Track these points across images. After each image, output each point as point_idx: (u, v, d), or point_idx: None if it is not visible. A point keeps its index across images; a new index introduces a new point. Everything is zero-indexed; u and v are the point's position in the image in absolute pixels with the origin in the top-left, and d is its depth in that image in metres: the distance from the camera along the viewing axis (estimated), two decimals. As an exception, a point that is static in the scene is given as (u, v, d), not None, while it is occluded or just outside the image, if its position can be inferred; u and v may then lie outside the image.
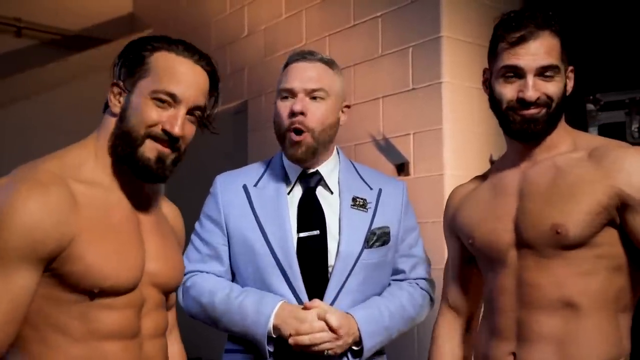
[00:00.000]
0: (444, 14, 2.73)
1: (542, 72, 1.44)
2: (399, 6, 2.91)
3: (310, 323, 1.65)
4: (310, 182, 1.81)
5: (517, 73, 1.45)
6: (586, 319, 1.39)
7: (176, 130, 1.29)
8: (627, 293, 1.43)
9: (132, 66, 1.31)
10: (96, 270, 1.20)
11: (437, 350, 1.71)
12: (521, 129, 1.46)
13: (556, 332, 1.40)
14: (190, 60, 1.33)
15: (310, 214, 1.77)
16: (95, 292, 1.21)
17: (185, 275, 1.76)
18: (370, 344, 1.71)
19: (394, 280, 1.87)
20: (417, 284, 1.87)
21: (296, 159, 1.76)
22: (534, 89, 1.43)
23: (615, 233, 1.40)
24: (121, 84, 1.32)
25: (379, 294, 1.82)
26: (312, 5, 3.36)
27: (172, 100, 1.29)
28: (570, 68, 1.51)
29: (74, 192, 1.21)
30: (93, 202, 1.24)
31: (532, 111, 1.44)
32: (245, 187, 1.81)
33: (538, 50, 1.43)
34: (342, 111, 1.83)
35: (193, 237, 1.86)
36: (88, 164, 1.29)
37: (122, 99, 1.31)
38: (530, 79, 1.43)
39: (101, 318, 1.22)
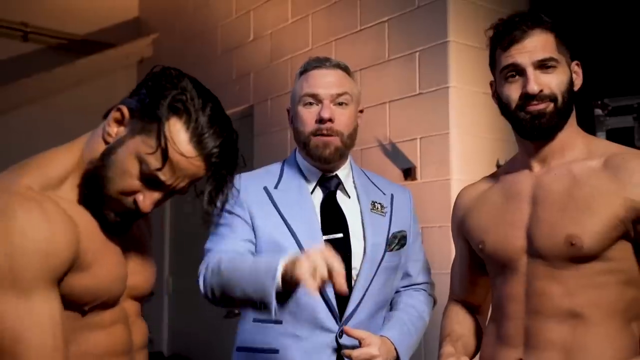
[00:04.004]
0: (450, 19, 2.72)
1: (541, 66, 1.43)
2: (406, 11, 2.90)
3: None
4: (331, 185, 1.82)
5: (518, 71, 1.45)
6: (596, 327, 1.38)
7: (148, 210, 1.18)
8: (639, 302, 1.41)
9: (144, 109, 1.14)
10: (99, 285, 1.16)
11: (449, 319, 1.71)
12: (532, 126, 1.45)
13: (565, 339, 1.39)
14: (199, 157, 1.14)
15: (333, 217, 1.78)
16: (86, 310, 1.16)
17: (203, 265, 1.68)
18: None
19: (402, 287, 1.89)
20: (425, 290, 1.91)
21: (324, 158, 1.75)
22: (536, 81, 1.42)
23: (628, 246, 1.39)
24: (127, 115, 1.15)
25: (390, 299, 1.86)
26: (319, 10, 3.35)
27: (159, 185, 1.16)
28: (576, 62, 1.50)
29: (62, 207, 1.13)
30: (80, 216, 1.17)
31: (539, 106, 1.43)
32: (266, 189, 1.80)
33: (532, 46, 1.44)
34: (358, 115, 1.84)
35: (213, 236, 1.77)
36: (69, 178, 1.19)
37: (119, 132, 1.16)
38: (530, 72, 1.43)
39: (91, 339, 1.18)
